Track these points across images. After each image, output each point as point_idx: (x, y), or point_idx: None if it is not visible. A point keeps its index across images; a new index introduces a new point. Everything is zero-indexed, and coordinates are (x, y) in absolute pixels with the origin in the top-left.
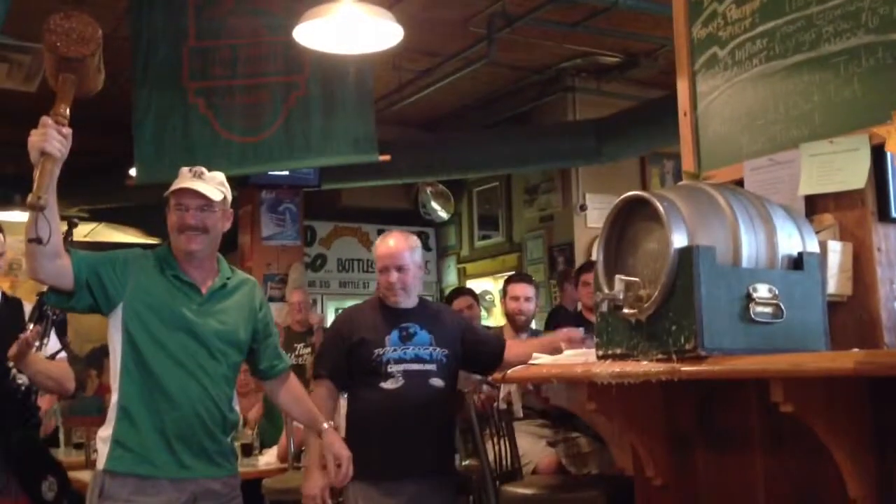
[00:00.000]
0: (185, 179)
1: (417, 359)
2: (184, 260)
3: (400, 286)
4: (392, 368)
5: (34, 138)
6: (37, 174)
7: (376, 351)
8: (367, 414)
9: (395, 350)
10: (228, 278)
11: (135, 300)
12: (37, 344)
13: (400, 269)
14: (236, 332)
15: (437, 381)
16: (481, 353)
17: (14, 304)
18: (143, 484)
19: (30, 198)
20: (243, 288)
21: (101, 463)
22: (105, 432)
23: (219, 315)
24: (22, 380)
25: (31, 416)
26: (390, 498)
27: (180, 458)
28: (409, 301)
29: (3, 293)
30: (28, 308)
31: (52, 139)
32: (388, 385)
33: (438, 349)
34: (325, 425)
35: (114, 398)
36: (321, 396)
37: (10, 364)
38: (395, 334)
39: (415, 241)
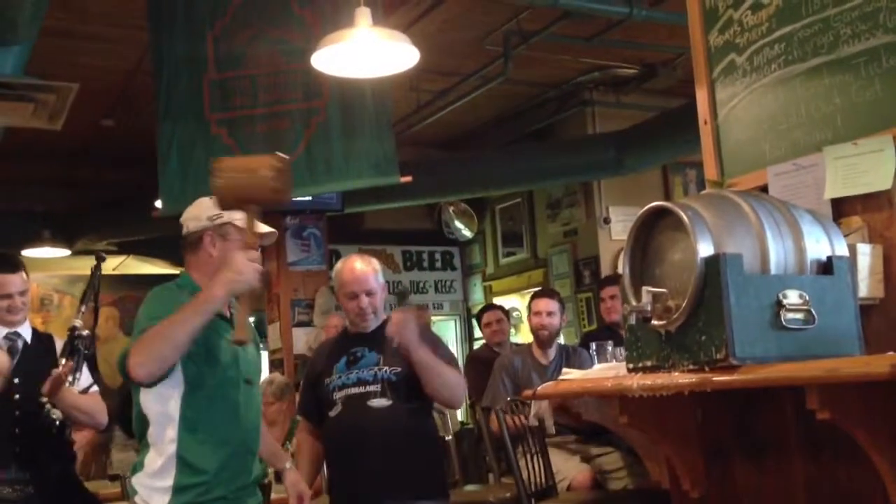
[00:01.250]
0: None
1: (359, 382)
2: None
3: (371, 311)
4: (336, 396)
5: (241, 277)
6: (240, 312)
7: (326, 381)
8: (325, 446)
9: (339, 377)
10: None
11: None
12: (69, 379)
13: (369, 293)
14: (258, 360)
15: (378, 402)
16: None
17: (46, 339)
18: None
19: (237, 335)
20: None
21: None
22: (162, 483)
23: (247, 348)
24: (56, 414)
25: (66, 451)
26: None
27: (238, 497)
28: (376, 323)
29: (35, 329)
30: (59, 343)
31: (255, 274)
32: (332, 413)
33: (386, 368)
34: (287, 465)
35: (168, 449)
36: (300, 435)
37: (44, 399)
38: (342, 361)
39: (377, 263)
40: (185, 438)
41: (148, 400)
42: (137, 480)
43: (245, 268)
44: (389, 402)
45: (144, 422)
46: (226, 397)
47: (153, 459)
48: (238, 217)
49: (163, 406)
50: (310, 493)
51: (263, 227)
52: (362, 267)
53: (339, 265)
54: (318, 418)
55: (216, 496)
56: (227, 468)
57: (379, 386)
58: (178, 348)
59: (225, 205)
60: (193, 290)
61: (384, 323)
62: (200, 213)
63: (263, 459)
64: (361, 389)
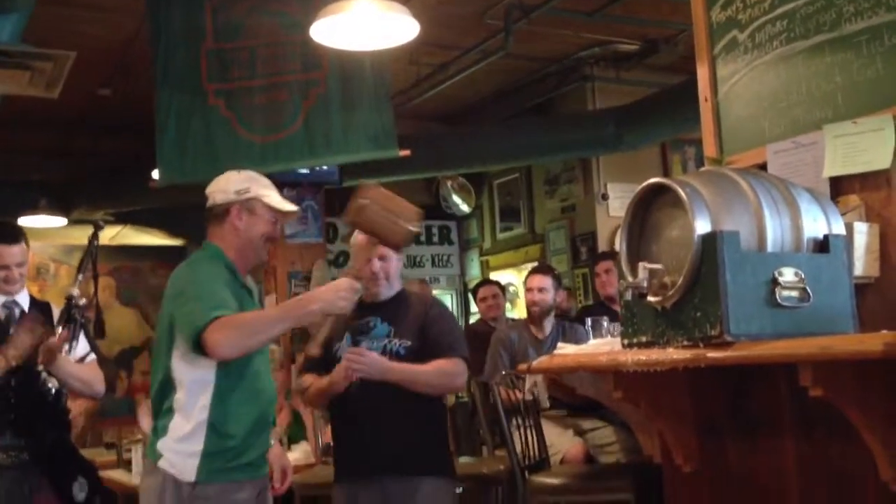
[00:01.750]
0: (279, 197)
1: None
2: (243, 268)
3: (383, 275)
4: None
5: (340, 302)
6: (323, 328)
7: (335, 346)
8: (330, 415)
9: (348, 345)
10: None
11: None
12: (66, 347)
13: (382, 258)
14: None
15: None
16: (432, 351)
17: (43, 307)
18: (229, 487)
19: (310, 350)
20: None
21: (186, 475)
22: (191, 448)
23: None
24: (52, 383)
25: (62, 419)
26: (354, 500)
27: (260, 462)
28: (389, 291)
29: (32, 297)
30: (56, 311)
31: (351, 304)
32: (352, 388)
33: (396, 341)
34: (272, 440)
35: (198, 415)
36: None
37: (41, 367)
38: (353, 328)
39: None
40: (217, 406)
41: (182, 367)
42: (164, 445)
43: (348, 294)
44: None
45: (170, 387)
46: (254, 367)
47: (180, 425)
48: (264, 193)
49: (200, 374)
50: (291, 467)
51: (288, 206)
52: None
53: (357, 231)
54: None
55: (243, 462)
56: (252, 435)
57: (387, 358)
58: (261, 343)
59: (353, 226)
60: (230, 265)
61: (399, 294)
62: (228, 186)
63: None
64: None
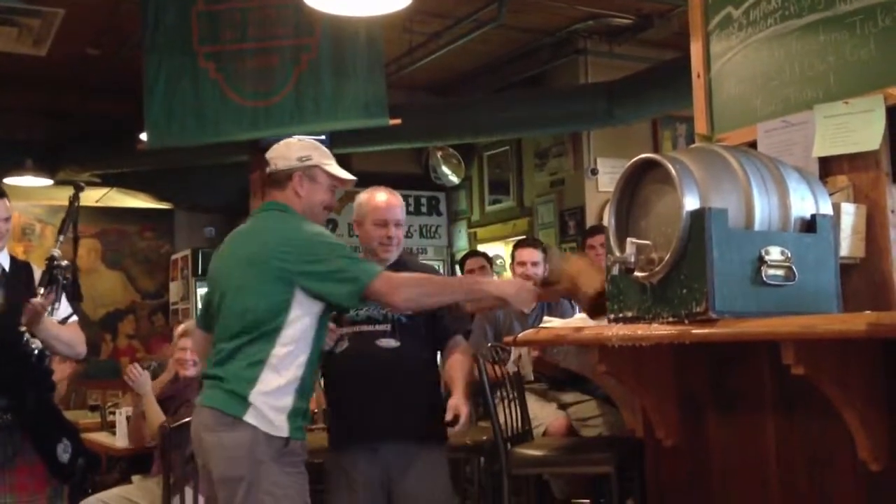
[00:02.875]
0: (341, 169)
1: (369, 319)
2: None
3: (396, 241)
4: (344, 331)
5: (515, 299)
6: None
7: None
8: (327, 381)
9: (350, 311)
10: None
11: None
12: (48, 308)
13: (398, 224)
14: None
15: (386, 342)
16: (437, 320)
17: (24, 267)
18: (304, 446)
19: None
20: None
21: (279, 430)
22: (281, 402)
23: None
24: (35, 344)
25: (45, 380)
26: (351, 467)
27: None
28: (394, 257)
29: (13, 257)
30: (38, 272)
31: (527, 304)
32: (337, 349)
33: None
34: None
35: (294, 373)
36: None
37: (23, 329)
38: None
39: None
40: (309, 366)
41: (297, 325)
42: (255, 398)
43: (527, 297)
44: (398, 344)
45: (267, 341)
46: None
47: (272, 379)
48: (325, 162)
49: (308, 334)
50: None
51: (347, 175)
52: (390, 198)
53: (364, 195)
54: None
55: (305, 424)
56: (309, 395)
57: (389, 326)
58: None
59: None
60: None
61: (400, 258)
62: (290, 153)
63: None
64: (371, 328)
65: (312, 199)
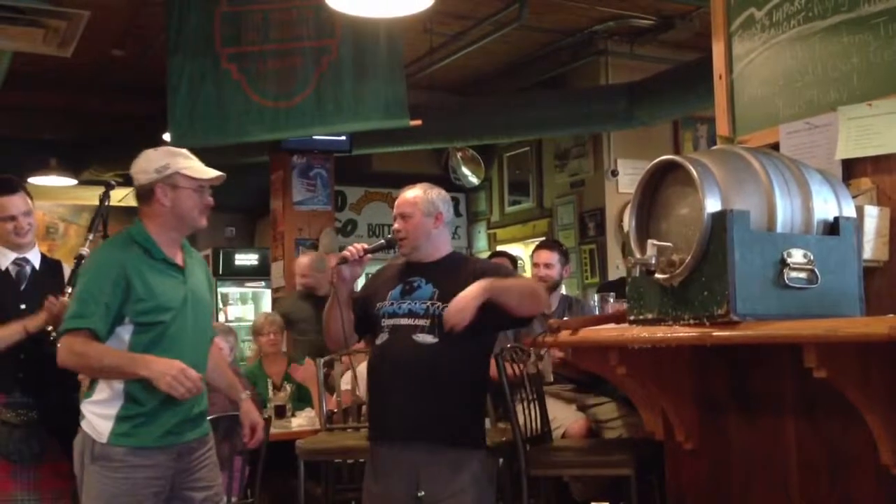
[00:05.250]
0: (201, 165)
1: (409, 313)
2: (171, 243)
3: (403, 234)
4: (384, 323)
5: (164, 380)
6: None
7: (377, 305)
8: (368, 370)
9: (391, 304)
10: (189, 254)
11: (137, 303)
12: None
13: (403, 216)
14: (209, 302)
15: (423, 337)
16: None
17: (54, 265)
18: (136, 452)
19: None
20: (198, 260)
21: (99, 435)
22: (107, 411)
23: (196, 289)
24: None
25: (70, 379)
26: (381, 462)
27: (180, 430)
28: (418, 253)
29: (43, 255)
30: (67, 270)
31: (176, 388)
32: (378, 340)
33: (440, 304)
34: (243, 395)
35: (116, 384)
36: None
37: (50, 328)
38: (398, 289)
39: (431, 191)
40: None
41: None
42: (85, 408)
43: (176, 381)
44: (435, 340)
45: None
46: (172, 338)
47: (102, 390)
48: (183, 166)
49: (115, 345)
50: (262, 424)
51: (211, 172)
52: (408, 191)
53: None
54: (364, 333)
55: (155, 426)
56: (168, 402)
57: (428, 321)
58: (94, 376)
59: None
60: (146, 243)
61: (448, 256)
62: (148, 165)
63: (222, 391)
64: (410, 322)
65: (182, 207)
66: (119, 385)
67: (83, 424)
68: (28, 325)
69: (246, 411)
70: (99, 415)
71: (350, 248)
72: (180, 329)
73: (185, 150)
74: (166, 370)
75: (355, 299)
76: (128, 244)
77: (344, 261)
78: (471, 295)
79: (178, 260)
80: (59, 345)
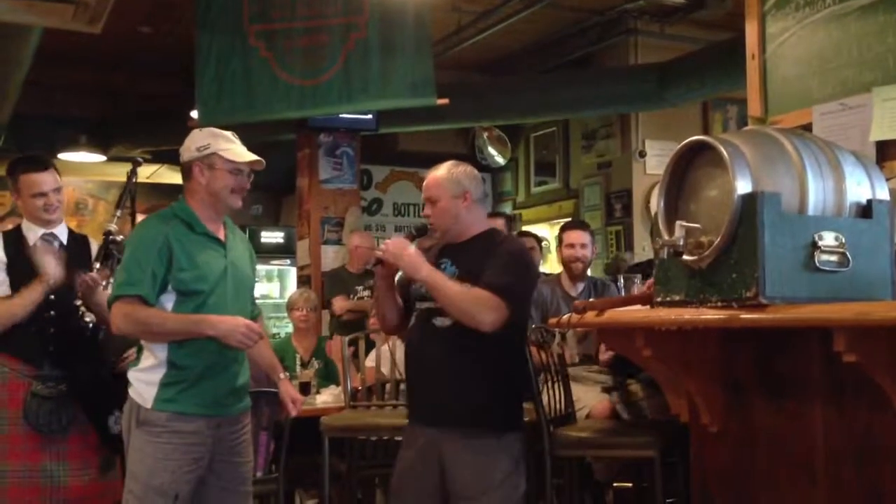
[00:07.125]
0: (241, 149)
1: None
2: (211, 219)
3: (433, 219)
4: (417, 306)
5: (235, 336)
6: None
7: (414, 286)
8: (405, 356)
9: (421, 287)
10: (231, 231)
11: (179, 272)
12: (103, 283)
13: (431, 200)
14: (252, 275)
15: (440, 321)
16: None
17: (81, 241)
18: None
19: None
20: (241, 238)
21: (144, 401)
22: (152, 378)
23: (238, 262)
24: (90, 317)
25: (99, 353)
26: (408, 447)
27: (225, 402)
28: (449, 235)
29: (71, 230)
30: (95, 246)
31: (245, 343)
32: (410, 324)
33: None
34: (282, 375)
35: (160, 354)
36: None
37: (79, 302)
38: None
39: (456, 169)
40: (174, 345)
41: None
42: (132, 375)
43: (247, 337)
44: (450, 322)
45: None
46: (212, 307)
47: (147, 358)
48: (223, 147)
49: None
50: (302, 399)
51: (248, 156)
52: (433, 173)
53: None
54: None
55: (197, 393)
56: (210, 371)
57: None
58: (154, 340)
59: None
60: (188, 217)
61: (476, 237)
62: (191, 144)
63: (263, 369)
64: (432, 304)
65: (215, 186)
66: (163, 354)
67: (130, 392)
68: (42, 278)
69: (285, 390)
70: (144, 381)
71: (385, 244)
72: (220, 299)
73: (228, 133)
74: (234, 327)
75: (400, 285)
76: (170, 218)
77: (379, 262)
78: (412, 262)
79: (220, 235)
80: (111, 312)
